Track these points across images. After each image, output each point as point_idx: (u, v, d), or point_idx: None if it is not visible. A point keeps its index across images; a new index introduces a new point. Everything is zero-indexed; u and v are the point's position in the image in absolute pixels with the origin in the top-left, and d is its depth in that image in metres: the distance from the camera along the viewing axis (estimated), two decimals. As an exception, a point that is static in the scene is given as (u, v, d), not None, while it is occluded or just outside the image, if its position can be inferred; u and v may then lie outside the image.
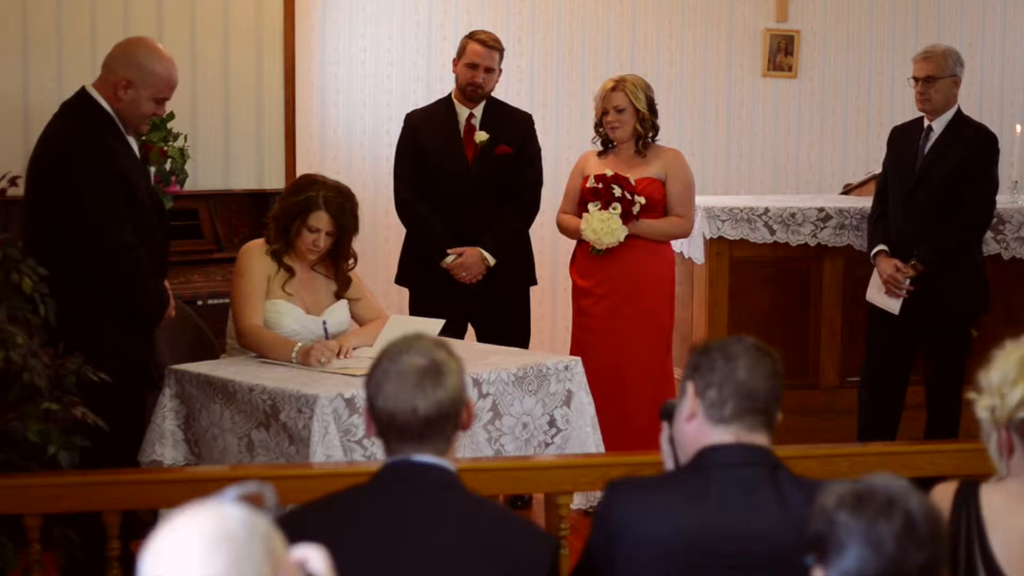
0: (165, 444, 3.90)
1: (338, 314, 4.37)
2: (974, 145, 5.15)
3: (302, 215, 4.25)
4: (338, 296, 4.40)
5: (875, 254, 5.22)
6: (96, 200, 3.86)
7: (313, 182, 4.34)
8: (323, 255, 4.34)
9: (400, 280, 5.43)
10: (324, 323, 4.27)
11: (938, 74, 5.13)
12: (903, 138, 5.33)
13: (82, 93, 4.03)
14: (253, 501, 1.69)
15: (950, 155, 5.12)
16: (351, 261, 4.42)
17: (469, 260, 5.12)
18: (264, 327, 4.17)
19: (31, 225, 4.01)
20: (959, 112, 5.22)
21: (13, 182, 3.84)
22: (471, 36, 5.29)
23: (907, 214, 5.15)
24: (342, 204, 4.29)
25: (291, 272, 4.29)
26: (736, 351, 2.43)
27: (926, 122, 5.21)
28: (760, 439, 2.43)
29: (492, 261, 5.14)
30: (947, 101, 5.18)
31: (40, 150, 4.03)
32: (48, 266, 3.54)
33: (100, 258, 3.89)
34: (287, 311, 4.23)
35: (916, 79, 5.18)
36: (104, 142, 3.92)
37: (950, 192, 5.09)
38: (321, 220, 4.26)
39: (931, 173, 5.12)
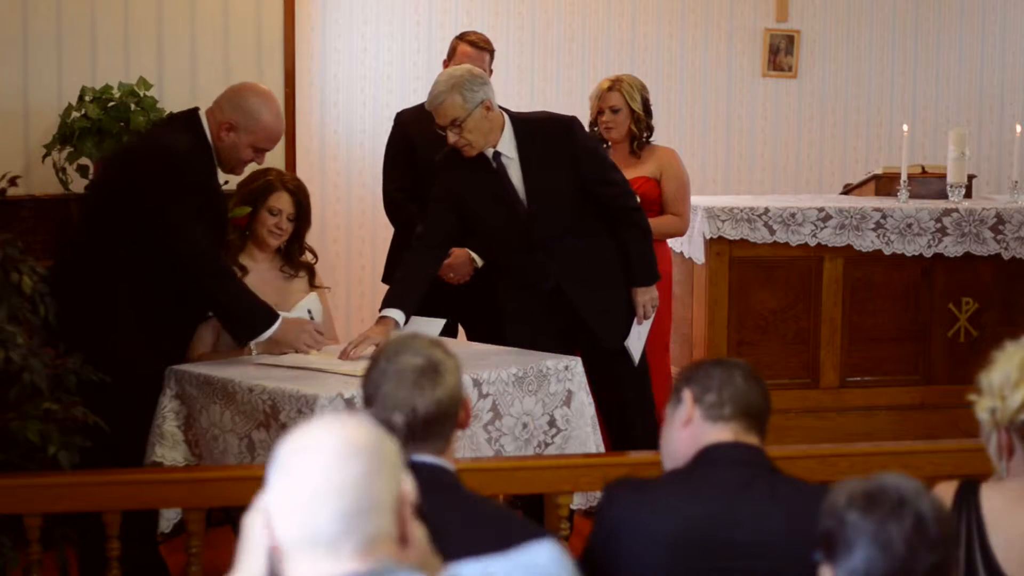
0: (165, 445, 3.90)
1: (311, 304, 4.39)
2: (574, 148, 4.35)
3: (262, 198, 4.30)
4: (310, 285, 4.44)
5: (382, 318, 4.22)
6: (181, 216, 3.88)
7: (267, 170, 4.41)
8: (283, 238, 4.35)
9: (388, 279, 5.41)
10: (309, 312, 4.28)
11: (462, 114, 4.21)
12: (468, 179, 4.37)
13: (194, 115, 4.03)
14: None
15: (554, 166, 4.33)
16: (310, 255, 4.45)
17: (457, 261, 5.08)
18: (209, 353, 4.21)
19: (98, 217, 4.01)
20: (514, 120, 4.35)
21: (13, 182, 3.85)
22: (461, 37, 5.27)
23: (545, 248, 4.38)
24: (300, 186, 4.38)
25: (244, 271, 4.29)
26: (732, 364, 2.52)
27: (488, 151, 4.31)
28: (754, 442, 2.48)
29: (480, 262, 5.12)
30: (490, 130, 4.28)
31: (134, 150, 4.07)
32: (102, 262, 3.56)
33: (182, 263, 3.90)
34: None
35: (442, 128, 4.28)
36: (201, 169, 3.97)
37: (578, 204, 4.39)
38: (282, 200, 4.32)
39: (546, 200, 4.35)
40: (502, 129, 4.32)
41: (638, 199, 4.66)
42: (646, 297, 4.53)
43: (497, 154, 4.33)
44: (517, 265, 4.50)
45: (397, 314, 4.21)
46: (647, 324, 4.57)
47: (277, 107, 4.07)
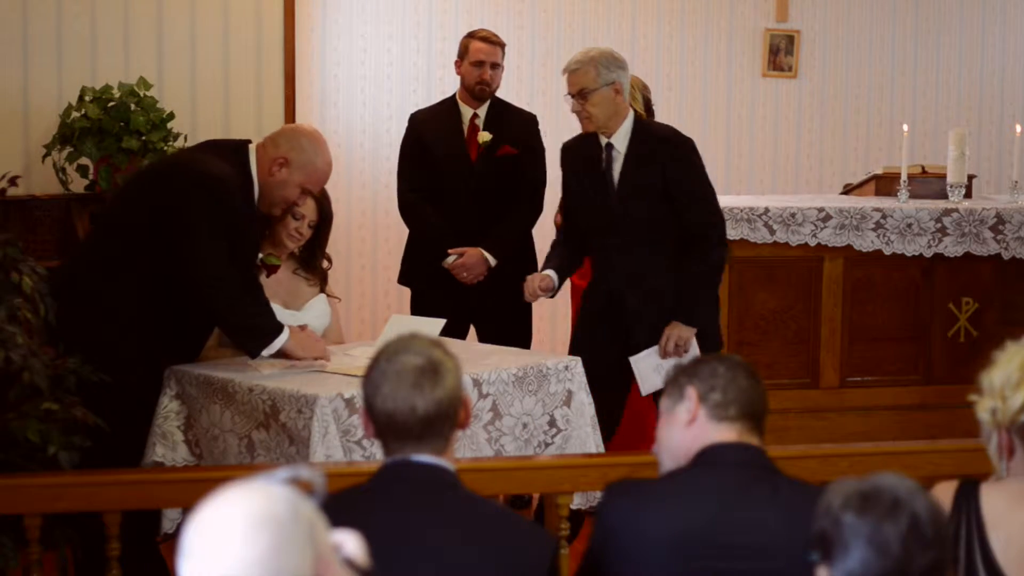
0: (165, 445, 3.90)
1: (318, 308, 4.39)
2: (674, 158, 4.44)
3: None
4: (321, 290, 4.42)
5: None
6: (206, 238, 3.83)
7: None
8: (301, 243, 4.35)
9: (403, 280, 5.43)
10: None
11: (591, 85, 4.30)
12: (581, 161, 4.53)
13: (243, 147, 3.99)
14: (302, 487, 1.68)
15: (649, 175, 4.42)
16: (326, 262, 4.45)
17: (470, 261, 5.11)
18: (218, 347, 4.19)
19: (119, 223, 3.99)
20: (637, 120, 4.49)
21: (13, 182, 3.85)
22: (472, 35, 5.30)
23: (619, 247, 4.49)
24: (325, 194, 4.36)
25: (259, 269, 4.27)
26: (734, 363, 2.50)
27: (603, 139, 4.44)
28: (756, 442, 2.47)
29: (493, 262, 5.14)
30: (614, 114, 4.37)
31: (174, 168, 4.03)
32: (112, 268, 3.56)
33: (197, 287, 3.85)
34: None
35: (571, 95, 4.35)
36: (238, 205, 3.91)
37: (662, 214, 4.45)
38: (307, 206, 4.31)
39: (633, 201, 4.44)
40: (623, 121, 4.42)
41: (724, 234, 4.59)
42: (675, 331, 4.44)
43: (610, 145, 4.44)
44: (595, 259, 4.63)
45: (553, 275, 4.54)
46: (666, 362, 4.36)
47: (329, 152, 4.07)
